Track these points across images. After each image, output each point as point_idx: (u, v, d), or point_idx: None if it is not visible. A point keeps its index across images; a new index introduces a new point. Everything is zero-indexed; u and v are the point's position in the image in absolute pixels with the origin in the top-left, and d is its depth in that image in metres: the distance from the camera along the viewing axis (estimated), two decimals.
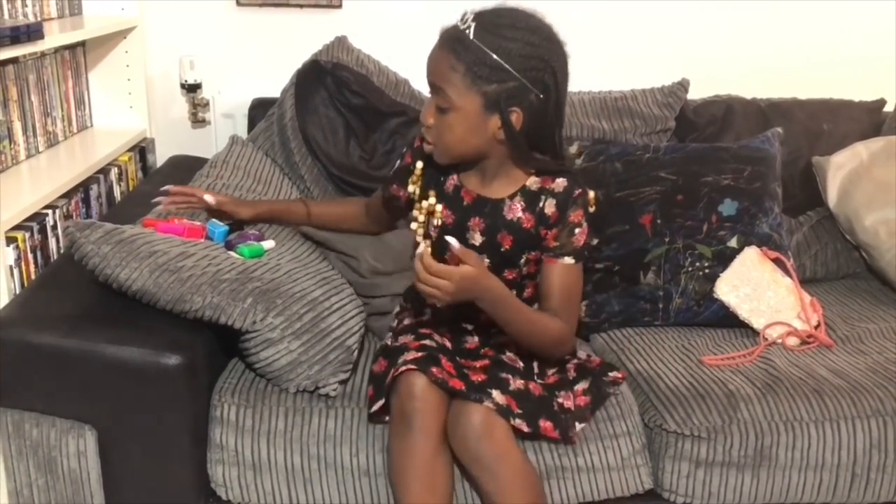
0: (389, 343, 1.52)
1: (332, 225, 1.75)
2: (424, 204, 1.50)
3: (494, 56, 1.32)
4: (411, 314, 1.61)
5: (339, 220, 1.75)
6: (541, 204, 1.44)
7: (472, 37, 1.32)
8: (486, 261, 1.48)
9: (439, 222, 1.49)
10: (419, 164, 1.52)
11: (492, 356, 1.48)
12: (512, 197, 1.46)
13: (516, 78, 1.33)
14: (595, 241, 1.55)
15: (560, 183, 1.44)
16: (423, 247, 1.32)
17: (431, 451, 1.35)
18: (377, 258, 1.76)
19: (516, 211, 1.46)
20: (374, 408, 1.43)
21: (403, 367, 1.37)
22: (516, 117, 1.36)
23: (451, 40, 1.35)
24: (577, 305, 1.52)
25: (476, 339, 1.56)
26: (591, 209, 1.46)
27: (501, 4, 1.38)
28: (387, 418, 1.44)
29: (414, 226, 1.52)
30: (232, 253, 1.54)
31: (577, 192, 1.44)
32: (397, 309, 1.69)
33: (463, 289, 1.31)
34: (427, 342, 1.46)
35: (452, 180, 1.50)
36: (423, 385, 1.36)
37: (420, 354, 1.40)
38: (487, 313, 1.39)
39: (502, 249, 1.48)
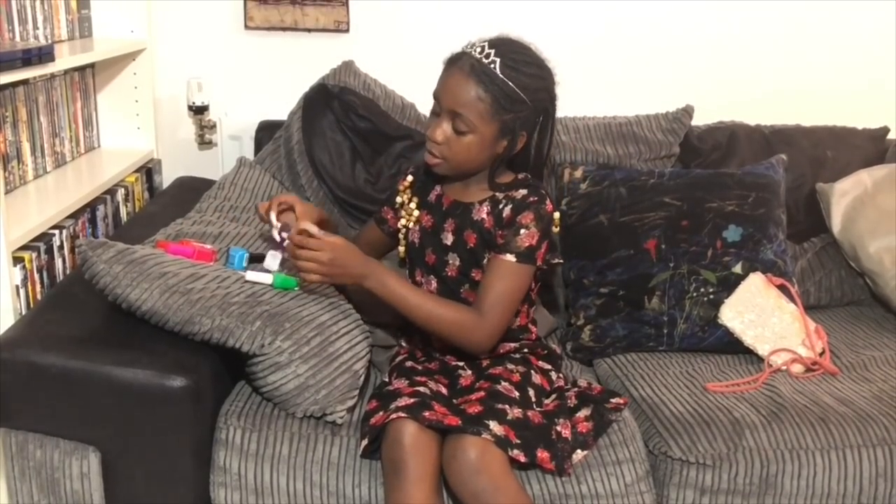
0: (387, 380, 1.58)
1: None
2: (411, 207, 1.63)
3: (520, 92, 1.45)
4: (407, 351, 1.67)
5: None
6: (500, 207, 1.55)
7: (499, 72, 1.44)
8: (458, 260, 1.57)
9: (413, 225, 1.63)
10: (409, 178, 1.67)
11: (487, 388, 1.49)
12: (482, 201, 1.57)
13: (530, 108, 1.48)
14: (556, 260, 1.59)
15: (521, 192, 1.55)
16: (302, 225, 1.45)
17: (424, 498, 1.35)
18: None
19: (482, 213, 1.57)
20: (361, 448, 1.44)
21: (394, 415, 1.39)
22: (521, 140, 1.52)
23: (479, 73, 1.44)
24: (507, 305, 1.52)
25: (470, 373, 1.58)
26: (556, 230, 1.57)
27: (506, 37, 1.50)
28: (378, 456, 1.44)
29: (401, 223, 1.67)
30: (260, 275, 1.51)
31: (532, 199, 1.53)
32: (397, 347, 1.72)
33: (337, 260, 1.41)
34: (421, 389, 1.48)
35: (436, 191, 1.64)
36: (413, 432, 1.37)
37: (412, 401, 1.42)
38: (383, 297, 1.46)
39: (469, 247, 1.57)
